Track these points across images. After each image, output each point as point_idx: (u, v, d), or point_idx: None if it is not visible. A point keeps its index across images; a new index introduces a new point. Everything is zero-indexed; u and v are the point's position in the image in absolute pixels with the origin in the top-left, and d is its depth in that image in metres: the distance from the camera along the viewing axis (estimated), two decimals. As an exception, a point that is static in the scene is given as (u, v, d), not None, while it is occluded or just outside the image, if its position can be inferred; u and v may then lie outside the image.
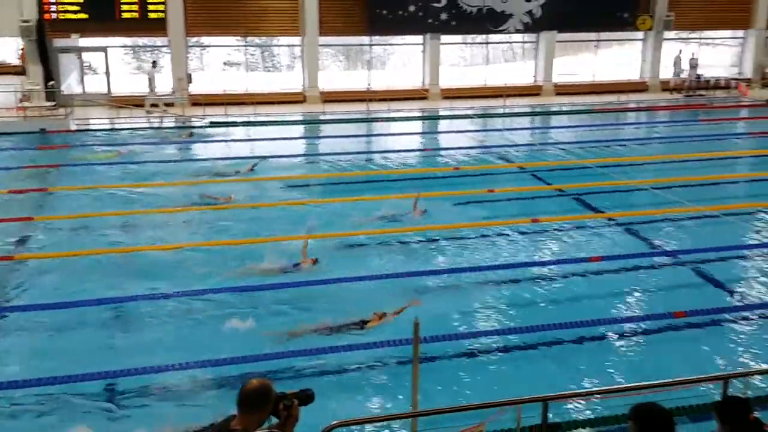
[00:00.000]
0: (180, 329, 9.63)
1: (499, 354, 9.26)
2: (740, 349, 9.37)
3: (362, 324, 9.62)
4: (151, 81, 25.17)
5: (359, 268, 11.49)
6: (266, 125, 23.23)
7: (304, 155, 21.03)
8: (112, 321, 9.90)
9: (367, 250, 12.52)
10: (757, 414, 4.62)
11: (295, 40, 27.73)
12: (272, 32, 27.73)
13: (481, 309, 10.35)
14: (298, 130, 24.05)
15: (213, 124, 23.13)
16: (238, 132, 22.74)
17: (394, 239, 13.03)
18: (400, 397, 7.97)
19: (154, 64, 25.71)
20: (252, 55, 29.25)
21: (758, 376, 7.98)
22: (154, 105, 25.05)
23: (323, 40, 27.60)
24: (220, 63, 29.54)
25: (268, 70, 29.86)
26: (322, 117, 24.99)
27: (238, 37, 27.52)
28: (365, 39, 28.32)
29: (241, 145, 21.10)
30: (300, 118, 25.13)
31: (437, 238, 13.23)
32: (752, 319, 10.19)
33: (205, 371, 8.40)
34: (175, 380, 8.28)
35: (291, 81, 28.18)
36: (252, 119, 23.88)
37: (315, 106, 26.34)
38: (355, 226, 13.61)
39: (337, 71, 30.10)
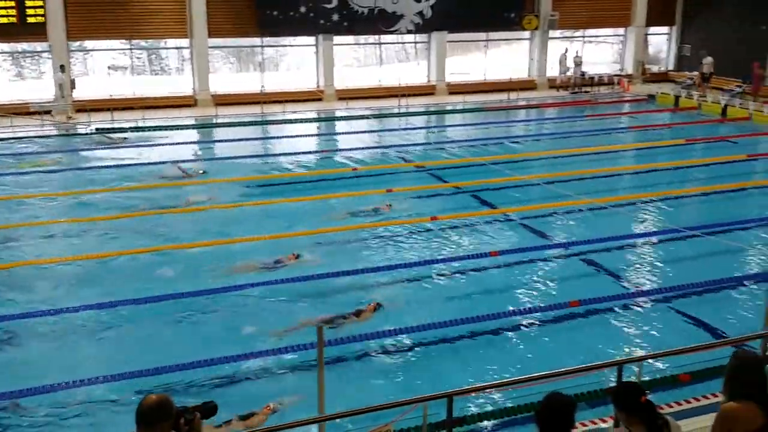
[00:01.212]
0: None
1: (403, 353, 9.27)
2: (632, 334, 9.74)
3: (358, 314, 9.96)
4: (61, 87, 23.88)
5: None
6: (158, 130, 22.46)
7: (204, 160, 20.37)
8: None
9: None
10: (649, 396, 4.78)
11: (184, 42, 26.99)
12: (159, 35, 26.89)
13: (384, 309, 10.31)
14: (191, 134, 23.37)
15: (99, 131, 22.18)
16: (158, 137, 22.09)
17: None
18: (308, 401, 7.86)
19: (62, 68, 24.25)
20: (138, 58, 28.27)
21: (650, 360, 8.29)
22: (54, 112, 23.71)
23: (213, 41, 26.98)
24: (105, 67, 28.37)
25: (156, 74, 28.92)
26: (215, 120, 24.43)
27: (123, 40, 26.56)
28: (257, 40, 27.90)
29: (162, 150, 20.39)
30: (192, 122, 24.47)
31: (335, 240, 13.15)
32: (642, 305, 10.63)
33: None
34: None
35: (180, 84, 27.41)
36: (140, 124, 23.04)
37: (207, 109, 25.73)
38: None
39: (229, 73, 29.48)
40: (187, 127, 23.73)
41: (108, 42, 26.65)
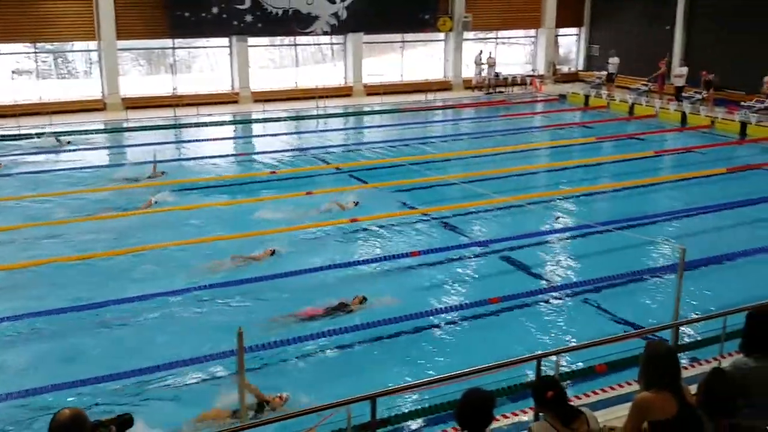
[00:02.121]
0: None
1: (325, 355, 9.20)
2: (551, 328, 9.94)
3: (344, 307, 10.22)
4: None
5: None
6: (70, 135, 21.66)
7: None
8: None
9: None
10: (567, 387, 4.88)
11: (92, 45, 26.11)
12: (65, 37, 25.93)
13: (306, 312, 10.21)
14: (99, 139, 22.60)
15: (53, 134, 21.29)
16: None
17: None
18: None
19: None
20: (44, 61, 27.15)
21: (567, 353, 8.46)
22: None
23: (122, 43, 26.18)
24: (8, 72, 27.11)
25: (64, 78, 27.82)
26: (125, 125, 23.69)
27: (27, 44, 25.48)
28: (168, 42, 27.24)
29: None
30: (102, 126, 23.67)
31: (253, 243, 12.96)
32: (559, 300, 10.87)
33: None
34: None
35: (89, 88, 26.48)
36: (47, 130, 22.12)
37: (116, 113, 24.94)
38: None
39: (139, 76, 28.65)
40: (94, 132, 22.89)
41: (11, 46, 25.50)
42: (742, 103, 23.70)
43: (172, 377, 8.62)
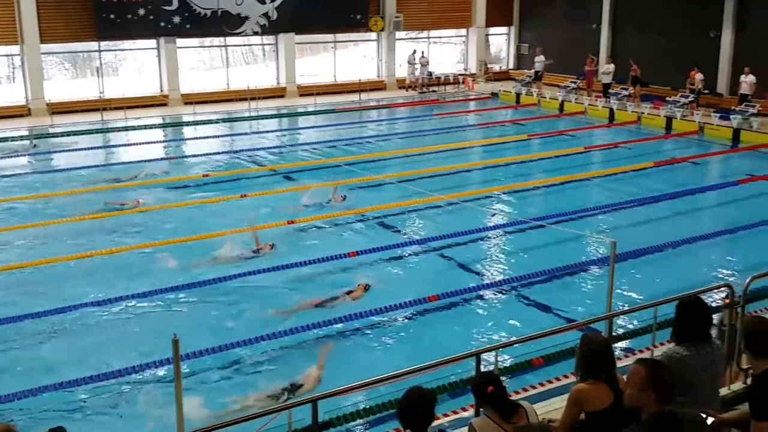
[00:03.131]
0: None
1: (264, 360, 9.09)
2: (489, 324, 10.05)
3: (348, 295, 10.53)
4: None
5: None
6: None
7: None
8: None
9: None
10: (506, 381, 4.93)
11: (14, 48, 25.21)
12: (-16, 41, 25.03)
13: (243, 317, 10.08)
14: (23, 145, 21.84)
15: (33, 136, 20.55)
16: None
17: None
18: (163, 418, 7.52)
19: None
20: (-37, 66, 26.12)
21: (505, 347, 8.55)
22: None
23: (46, 47, 25.35)
24: None
25: (-16, 83, 26.80)
26: (51, 130, 22.94)
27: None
28: (94, 45, 26.52)
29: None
30: (25, 132, 22.85)
31: (193, 247, 12.73)
32: (497, 295, 11.00)
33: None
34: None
35: (12, 93, 25.53)
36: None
37: (41, 118, 24.15)
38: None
39: (65, 80, 27.78)
40: (19, 138, 22.12)
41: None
42: (667, 99, 24.44)
43: (107, 387, 8.39)
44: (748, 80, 23.12)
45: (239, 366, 8.95)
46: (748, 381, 6.13)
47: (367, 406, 7.79)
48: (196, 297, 10.78)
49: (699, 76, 24.27)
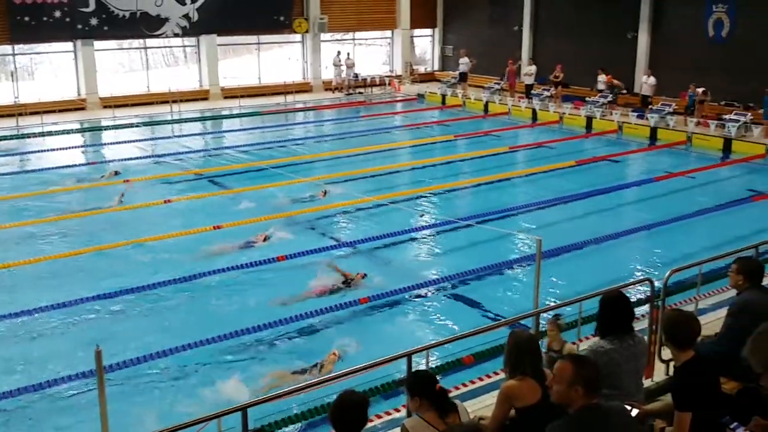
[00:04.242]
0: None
1: (186, 368, 8.89)
2: (420, 324, 10.08)
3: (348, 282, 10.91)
4: None
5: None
6: None
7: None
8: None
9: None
10: (439, 381, 4.94)
11: None
12: None
13: (160, 328, 9.85)
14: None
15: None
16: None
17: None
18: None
19: None
20: None
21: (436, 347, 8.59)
22: None
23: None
24: None
25: None
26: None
27: None
28: (8, 48, 25.51)
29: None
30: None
31: (115, 256, 12.36)
32: (427, 295, 11.05)
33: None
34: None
35: None
36: None
37: (-48, 124, 23.14)
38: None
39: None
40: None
41: None
42: (587, 99, 25.10)
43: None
44: (649, 82, 24.00)
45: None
46: (671, 372, 6.32)
47: (299, 412, 7.70)
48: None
49: (602, 77, 25.05)
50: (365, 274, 11.42)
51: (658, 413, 5.11)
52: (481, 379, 7.98)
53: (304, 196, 15.80)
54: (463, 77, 29.58)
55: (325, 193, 15.71)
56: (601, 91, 24.95)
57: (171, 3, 27.14)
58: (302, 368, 8.69)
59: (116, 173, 17.68)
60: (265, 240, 12.85)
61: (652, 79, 23.90)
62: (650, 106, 23.34)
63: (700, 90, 22.38)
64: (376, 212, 15.03)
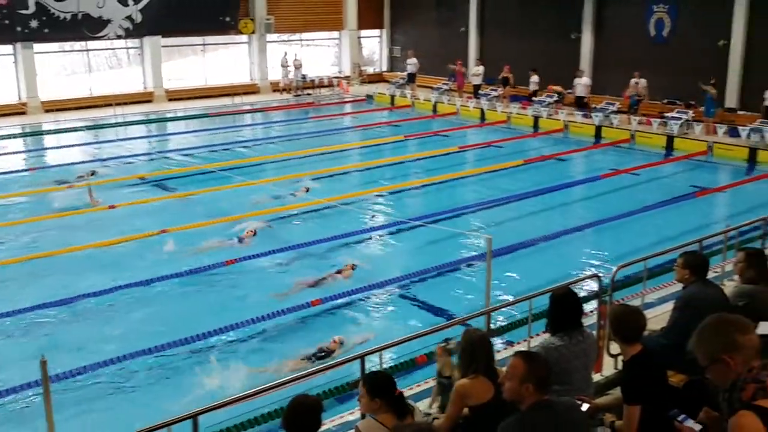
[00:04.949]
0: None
1: (126, 378, 8.71)
2: (373, 325, 10.05)
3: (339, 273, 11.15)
4: None
5: None
6: None
7: None
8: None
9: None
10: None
11: None
12: None
13: (118, 332, 9.63)
14: None
15: None
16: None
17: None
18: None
19: None
20: None
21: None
22: None
23: None
24: None
25: None
26: None
27: None
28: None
29: None
30: None
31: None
32: (380, 296, 11.02)
33: None
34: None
35: None
36: None
37: None
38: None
39: None
40: None
41: None
42: (534, 99, 25.40)
43: None
44: (582, 82, 24.44)
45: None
46: (619, 366, 6.41)
47: (251, 418, 7.60)
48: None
49: (534, 78, 25.50)
50: (355, 265, 11.61)
51: (608, 407, 5.16)
52: (434, 379, 7.96)
53: (250, 200, 15.60)
54: (411, 78, 29.68)
55: (308, 189, 15.96)
56: (535, 91, 25.35)
57: (113, 4, 26.60)
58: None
59: (93, 173, 17.48)
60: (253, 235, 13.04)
61: (585, 80, 24.36)
62: (590, 106, 23.73)
63: (642, 81, 22.93)
64: (326, 213, 14.94)
